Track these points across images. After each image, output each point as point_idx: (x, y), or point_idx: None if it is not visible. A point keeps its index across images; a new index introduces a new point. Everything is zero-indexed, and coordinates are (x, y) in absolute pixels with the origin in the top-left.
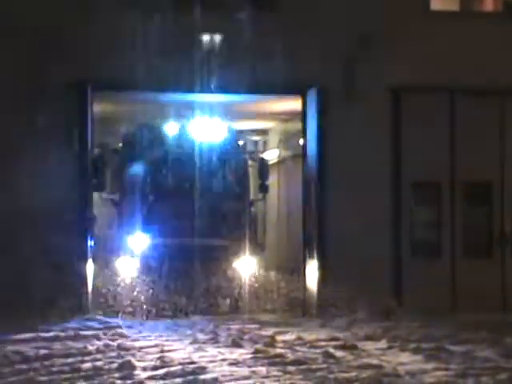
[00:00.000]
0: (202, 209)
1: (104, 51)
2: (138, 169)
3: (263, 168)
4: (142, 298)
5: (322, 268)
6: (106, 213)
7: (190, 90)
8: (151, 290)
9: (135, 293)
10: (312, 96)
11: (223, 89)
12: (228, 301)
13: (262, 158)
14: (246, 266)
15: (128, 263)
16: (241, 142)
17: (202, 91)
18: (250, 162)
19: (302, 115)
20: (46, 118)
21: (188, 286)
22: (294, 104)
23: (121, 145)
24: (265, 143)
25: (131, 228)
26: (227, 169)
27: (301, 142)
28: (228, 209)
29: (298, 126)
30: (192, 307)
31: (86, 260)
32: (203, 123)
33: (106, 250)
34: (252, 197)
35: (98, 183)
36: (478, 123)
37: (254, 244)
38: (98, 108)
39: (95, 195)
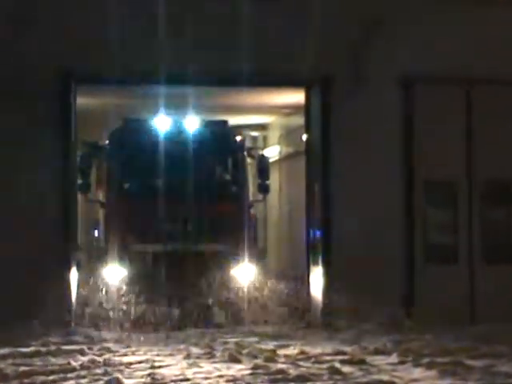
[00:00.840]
0: (196, 211)
1: (89, 42)
2: (125, 168)
3: (263, 166)
4: (131, 309)
5: (328, 275)
6: (92, 216)
7: (181, 82)
8: (140, 301)
9: (123, 304)
10: (316, 88)
11: (220, 80)
12: (224, 312)
13: (262, 155)
14: (245, 274)
15: (116, 271)
16: (238, 138)
17: (195, 83)
18: (248, 160)
19: (306, 108)
20: (26, 113)
21: (181, 296)
22: (296, 96)
23: (107, 142)
24: (264, 139)
25: (118, 232)
26: (222, 167)
27: (304, 137)
28: (224, 211)
29: (301, 120)
30: (186, 319)
31: (69, 267)
32: (196, 117)
33: (92, 256)
34: (251, 197)
35: (83, 184)
36: (496, 116)
37: (254, 249)
38: (81, 102)
39: (80, 197)
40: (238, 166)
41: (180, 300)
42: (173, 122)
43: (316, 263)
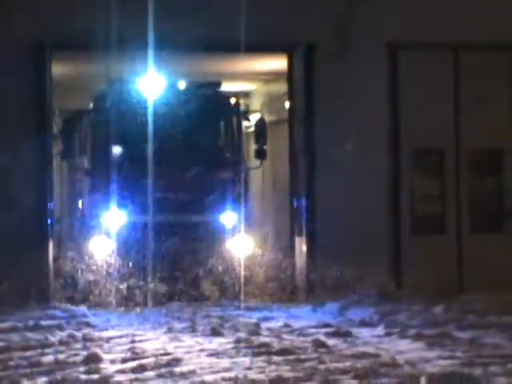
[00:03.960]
0: (187, 179)
1: (63, 6)
2: (110, 133)
3: (261, 130)
4: (114, 283)
5: (312, 246)
6: (76, 185)
7: (162, 48)
8: (125, 275)
9: (105, 277)
10: (300, 53)
11: (201, 46)
12: (210, 285)
13: (261, 118)
14: (239, 246)
15: (101, 243)
16: (233, 100)
17: (175, 49)
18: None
19: (289, 75)
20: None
21: (168, 269)
22: (279, 63)
23: (91, 105)
24: (247, 107)
25: (104, 203)
26: (217, 131)
27: (287, 105)
28: (218, 179)
29: (284, 87)
30: (171, 293)
31: (46, 240)
32: (184, 80)
33: (76, 228)
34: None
35: (66, 150)
36: (485, 83)
37: (246, 220)
38: (60, 70)
39: (63, 165)
40: (234, 130)
41: (167, 273)
42: (162, 83)
43: (300, 234)
